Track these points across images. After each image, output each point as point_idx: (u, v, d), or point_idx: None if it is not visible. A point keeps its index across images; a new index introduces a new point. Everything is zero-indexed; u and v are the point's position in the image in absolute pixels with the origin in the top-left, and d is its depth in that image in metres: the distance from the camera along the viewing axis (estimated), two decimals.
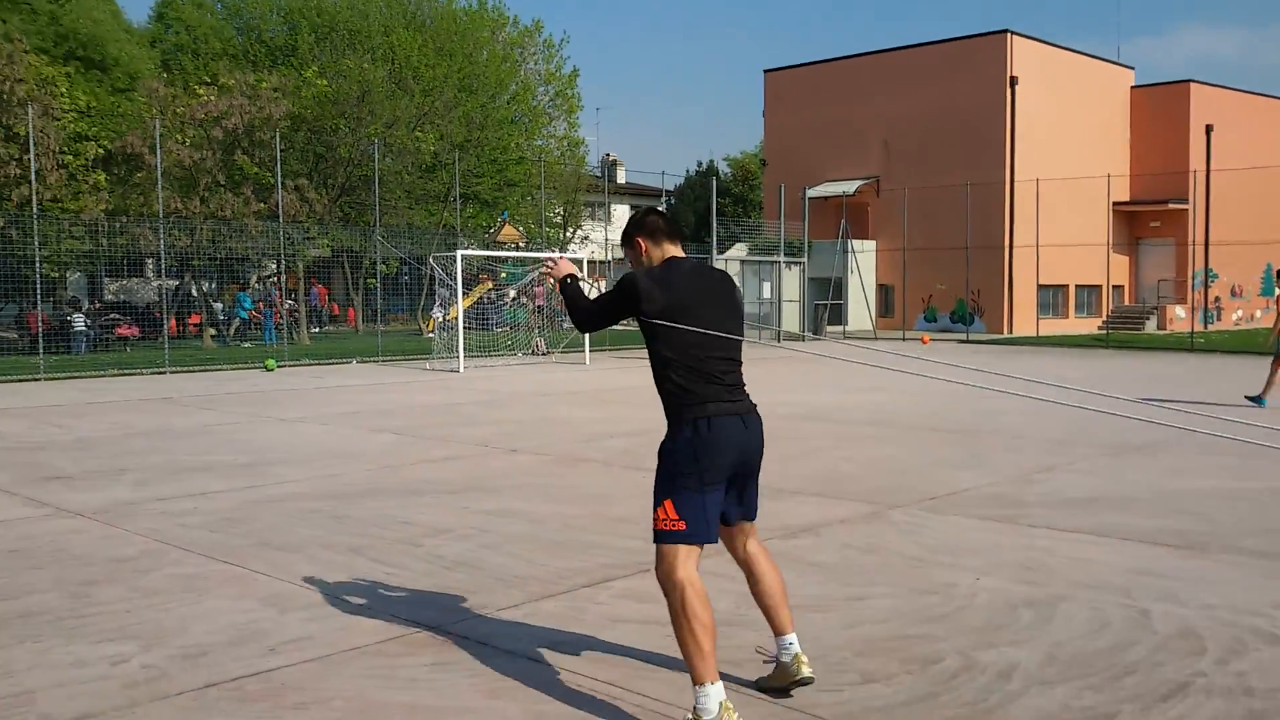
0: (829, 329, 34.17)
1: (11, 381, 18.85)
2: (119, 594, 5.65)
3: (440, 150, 34.56)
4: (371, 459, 10.11)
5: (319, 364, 22.91)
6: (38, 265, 20.02)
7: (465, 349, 22.14)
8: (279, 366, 21.91)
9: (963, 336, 33.05)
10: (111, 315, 28.85)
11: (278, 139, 23.70)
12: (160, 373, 20.82)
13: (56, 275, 26.95)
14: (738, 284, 4.53)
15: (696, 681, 3.74)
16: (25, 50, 23.78)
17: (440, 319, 37.63)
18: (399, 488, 8.60)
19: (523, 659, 4.58)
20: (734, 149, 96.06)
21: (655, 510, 3.94)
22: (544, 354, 25.31)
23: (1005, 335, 33.76)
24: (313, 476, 9.16)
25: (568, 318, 22.91)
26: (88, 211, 23.99)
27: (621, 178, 62.30)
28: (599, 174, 59.29)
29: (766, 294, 31.80)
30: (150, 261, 38.03)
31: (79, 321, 26.55)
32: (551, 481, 8.86)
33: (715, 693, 3.70)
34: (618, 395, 15.94)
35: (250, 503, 8.06)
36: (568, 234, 43.38)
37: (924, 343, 30.06)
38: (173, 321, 30.90)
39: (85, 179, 24.63)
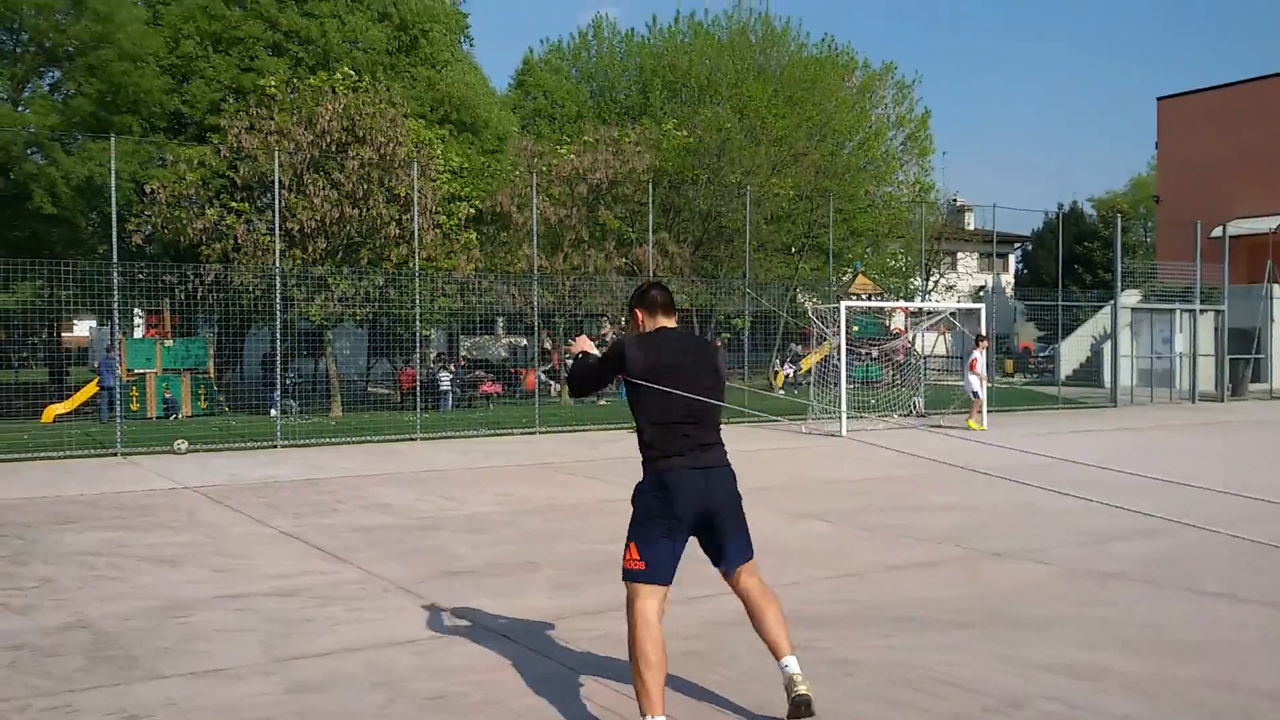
0: (1251, 387, 29.28)
1: (390, 441, 18.57)
2: None
3: (791, 200, 32.96)
4: (820, 560, 8.08)
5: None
6: (418, 324, 19.82)
7: (829, 408, 20.08)
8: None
9: None
10: (477, 372, 29.03)
11: (651, 192, 22.70)
12: (530, 432, 20.03)
13: (428, 333, 27.34)
14: (722, 352, 4.89)
15: (641, 713, 4.26)
16: (405, 115, 24.24)
17: (791, 375, 35.89)
18: (889, 613, 6.47)
19: None
20: (1098, 189, 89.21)
21: (624, 552, 4.46)
22: (921, 415, 22.69)
23: None
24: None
25: (964, 376, 20.24)
26: (460, 270, 23.96)
27: (970, 223, 58.56)
28: (946, 221, 55.88)
29: (1179, 346, 27.54)
30: (500, 319, 38.77)
31: (445, 380, 26.74)
32: (1098, 613, 6.43)
33: None
34: (1067, 474, 13.15)
35: (709, 624, 6.20)
36: (928, 283, 40.47)
37: None
38: (531, 378, 30.88)
39: (457, 238, 24.72)
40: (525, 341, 38.37)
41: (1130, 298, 31.91)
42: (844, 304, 18.91)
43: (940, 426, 20.14)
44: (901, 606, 6.62)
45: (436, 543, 9.04)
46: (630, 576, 4.42)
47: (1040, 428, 20.31)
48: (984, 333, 20.85)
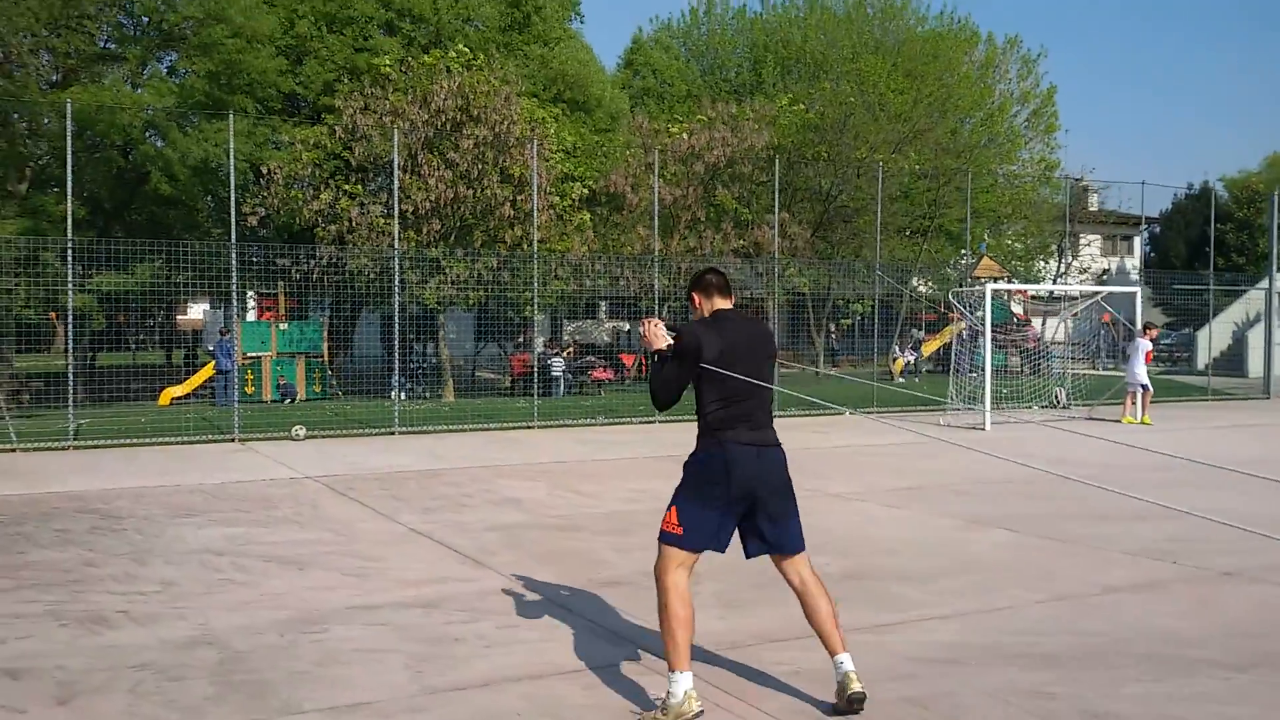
0: None
1: (507, 428, 17.97)
2: None
3: (912, 179, 31.62)
4: (1023, 579, 7.07)
5: (806, 414, 20.38)
6: (535, 307, 19.18)
7: (961, 397, 18.88)
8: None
9: None
10: (588, 358, 28.37)
11: (776, 169, 21.60)
12: (649, 421, 19.25)
13: (541, 317, 26.75)
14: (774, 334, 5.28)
15: (670, 668, 4.45)
16: (519, 93, 23.58)
17: (912, 362, 34.49)
18: (1134, 649, 5.47)
19: None
20: (1230, 168, 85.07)
21: (665, 513, 4.64)
22: (1064, 406, 21.27)
23: None
24: (960, 612, 6.27)
25: (1132, 368, 18.82)
26: (574, 252, 23.25)
27: (1093, 204, 55.95)
28: (1070, 201, 53.40)
29: None
30: (604, 303, 38.01)
31: (558, 366, 26.09)
32: None
33: (683, 680, 4.41)
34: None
35: (916, 660, 5.27)
36: (1060, 265, 38.66)
37: None
38: (644, 362, 30.09)
39: (571, 219, 24.01)
40: (628, 326, 37.60)
41: (1276, 282, 29.82)
42: (990, 286, 17.66)
43: (1092, 419, 18.80)
44: (1145, 640, 5.61)
45: (579, 545, 8.28)
46: (665, 539, 4.59)
47: (1198, 422, 18.82)
48: (1147, 321, 19.45)
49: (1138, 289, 19.13)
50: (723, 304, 4.83)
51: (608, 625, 6.06)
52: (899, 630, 5.89)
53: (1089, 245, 47.81)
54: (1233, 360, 33.08)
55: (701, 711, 4.41)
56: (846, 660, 4.59)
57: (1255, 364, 30.46)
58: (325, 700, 4.83)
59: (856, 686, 4.52)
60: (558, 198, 23.75)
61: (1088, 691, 4.83)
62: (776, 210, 21.55)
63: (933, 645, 5.57)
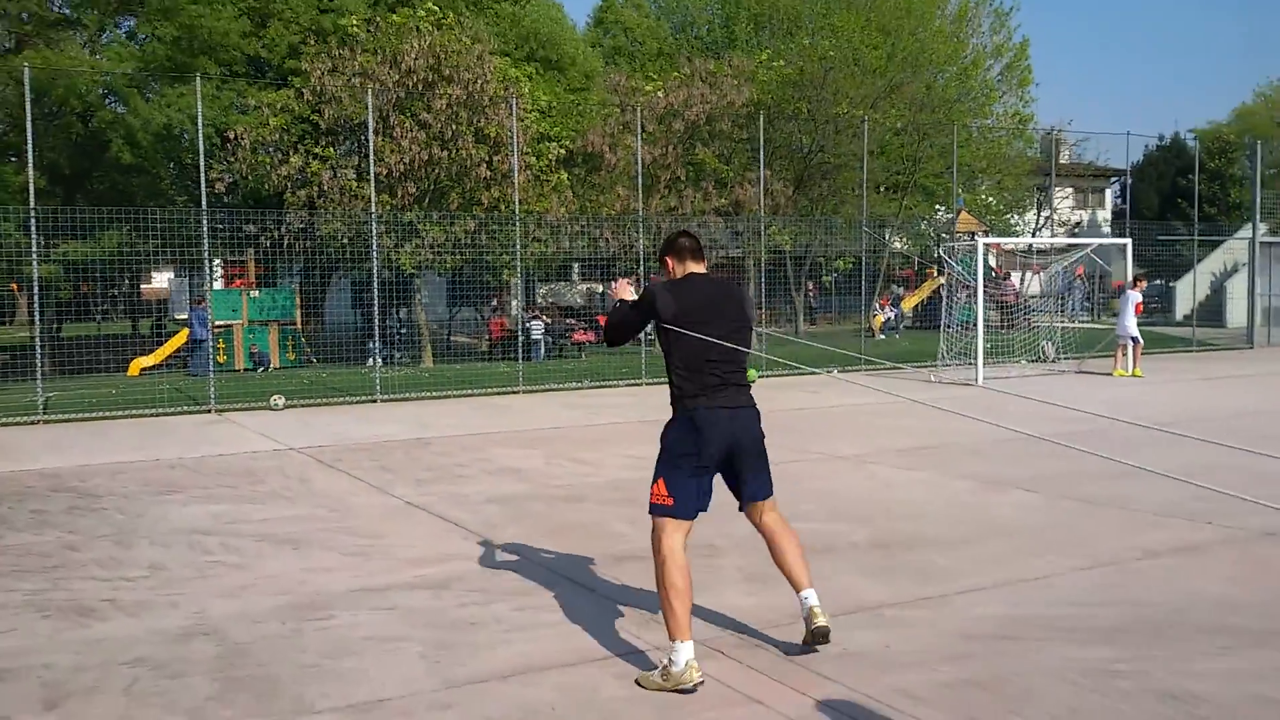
0: None
1: (493, 394, 17.54)
2: None
3: (891, 134, 31.25)
4: (1058, 545, 6.77)
5: (791, 374, 20.02)
6: (518, 269, 18.71)
7: (952, 353, 18.66)
8: (760, 377, 19.35)
9: None
10: (568, 321, 27.91)
11: (761, 124, 21.14)
12: (635, 383, 18.89)
13: (516, 280, 26.24)
14: (749, 295, 5.34)
15: (671, 638, 4.44)
16: (491, 52, 22.93)
17: (892, 318, 34.30)
18: (1190, 619, 5.19)
19: None
20: (1199, 120, 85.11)
21: (651, 486, 4.66)
22: (1052, 360, 21.08)
23: None
24: (1002, 582, 5.96)
25: (1122, 320, 18.62)
26: (553, 213, 22.72)
27: (1064, 157, 55.78)
28: (1042, 154, 53.17)
29: None
30: (576, 265, 37.51)
31: (537, 328, 25.64)
32: None
33: (684, 649, 4.38)
34: (1265, 425, 11.65)
35: (968, 638, 4.95)
36: (1039, 218, 38.48)
37: None
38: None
39: (548, 180, 23.45)
40: (602, 288, 37.15)
41: (1249, 231, 29.72)
42: (981, 241, 17.34)
43: (1082, 372, 18.61)
44: (1199, 609, 5.33)
45: (587, 517, 7.92)
46: (658, 511, 4.62)
47: (1188, 373, 18.67)
48: (1137, 273, 19.24)
49: (1127, 240, 18.84)
50: (695, 268, 4.84)
51: (630, 603, 5.72)
52: (945, 604, 5.57)
53: (1064, 199, 47.62)
54: (1212, 311, 33.07)
55: (702, 681, 4.37)
56: (811, 595, 4.72)
57: (1234, 314, 30.48)
58: (340, 697, 4.46)
59: (821, 621, 4.65)
60: (534, 158, 23.20)
61: (1156, 669, 4.53)
62: (761, 166, 21.13)
63: (983, 620, 5.26)
